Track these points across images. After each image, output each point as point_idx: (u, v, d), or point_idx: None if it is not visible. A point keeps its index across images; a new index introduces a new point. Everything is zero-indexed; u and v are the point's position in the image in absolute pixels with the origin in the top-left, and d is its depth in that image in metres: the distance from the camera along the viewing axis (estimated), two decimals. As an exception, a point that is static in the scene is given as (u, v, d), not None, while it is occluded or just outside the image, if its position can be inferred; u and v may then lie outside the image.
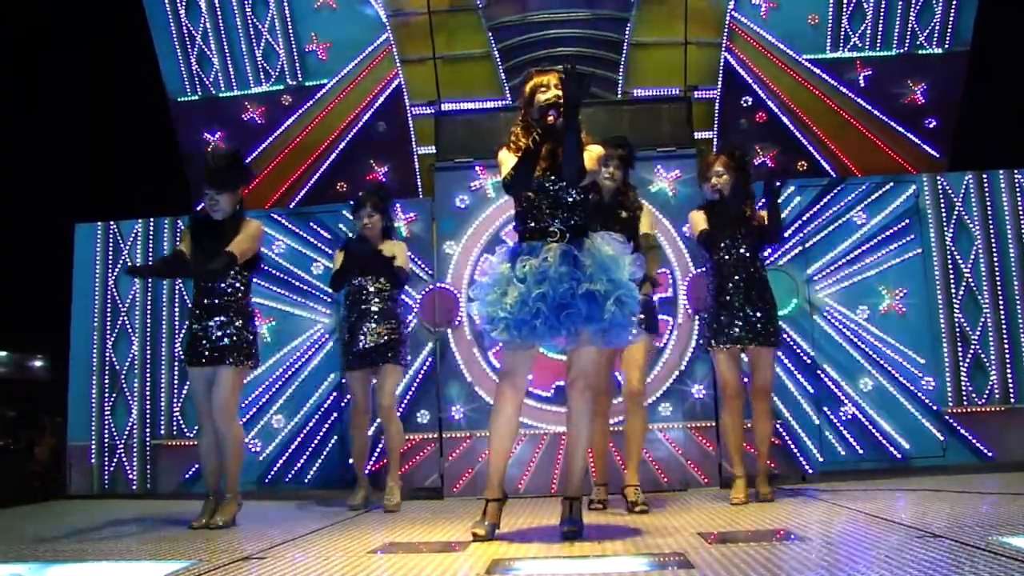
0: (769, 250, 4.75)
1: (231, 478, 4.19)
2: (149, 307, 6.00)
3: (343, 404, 5.60)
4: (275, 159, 6.50)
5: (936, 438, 5.41)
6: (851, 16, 6.32)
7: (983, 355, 5.53)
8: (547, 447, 5.39)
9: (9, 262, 12.54)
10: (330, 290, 5.05)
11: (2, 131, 11.90)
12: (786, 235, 5.49)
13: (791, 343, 5.45)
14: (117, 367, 5.97)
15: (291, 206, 6.32)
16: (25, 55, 12.79)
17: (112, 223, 6.15)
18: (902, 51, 6.34)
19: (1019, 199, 5.70)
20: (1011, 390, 5.49)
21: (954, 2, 6.27)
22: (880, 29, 6.32)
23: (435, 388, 5.57)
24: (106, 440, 5.91)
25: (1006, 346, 5.54)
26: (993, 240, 5.65)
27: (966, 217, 5.68)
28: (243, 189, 4.37)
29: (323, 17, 6.52)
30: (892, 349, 5.50)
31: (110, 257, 6.10)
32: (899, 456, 5.39)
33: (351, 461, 5.03)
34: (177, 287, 5.86)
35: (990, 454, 5.39)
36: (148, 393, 5.92)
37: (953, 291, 5.59)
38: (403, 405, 5.37)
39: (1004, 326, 5.56)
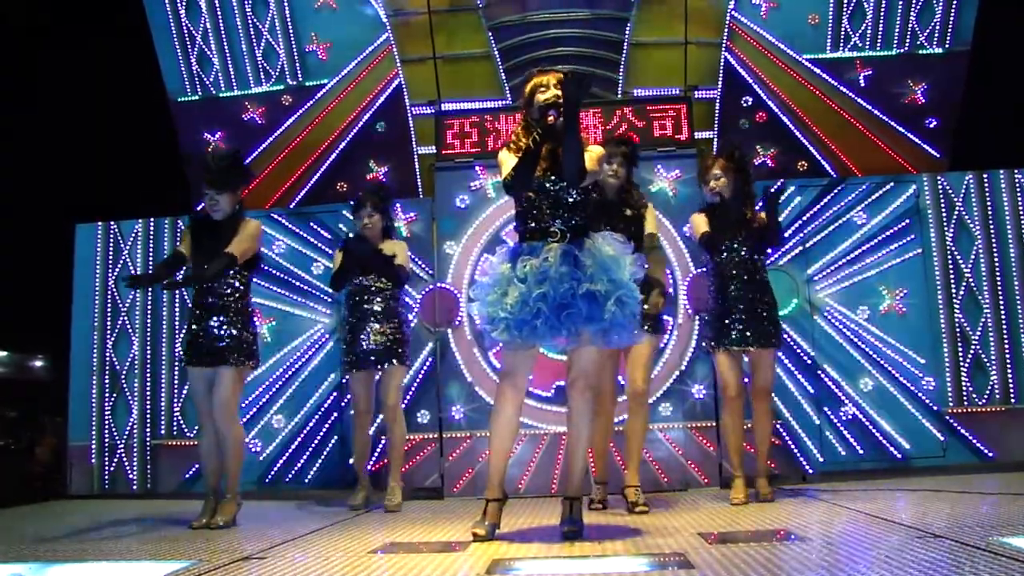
0: (770, 252, 4.74)
1: (231, 478, 4.19)
2: (149, 307, 6.01)
3: (343, 404, 5.60)
4: (275, 159, 6.49)
5: (936, 438, 5.41)
6: (851, 16, 6.31)
7: (983, 355, 5.53)
8: (547, 447, 5.39)
9: (9, 262, 12.55)
10: (331, 290, 5.05)
11: (2, 131, 11.91)
12: (786, 235, 5.50)
13: (791, 343, 5.45)
14: (117, 367, 5.98)
15: (291, 206, 6.32)
16: (25, 55, 12.79)
17: (112, 223, 6.15)
18: (902, 51, 6.33)
19: (1019, 199, 5.70)
20: (1011, 390, 5.49)
21: (954, 2, 6.27)
22: (880, 29, 6.31)
23: (435, 388, 5.57)
24: (106, 440, 5.91)
25: (1006, 346, 5.54)
26: (993, 240, 5.65)
27: (966, 217, 5.68)
28: (243, 189, 4.38)
29: (323, 17, 6.52)
30: (892, 349, 5.50)
31: (110, 257, 6.11)
32: (899, 456, 5.39)
33: (351, 461, 5.02)
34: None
35: (990, 454, 5.39)
36: (148, 393, 5.92)
37: (953, 291, 5.59)
38: (403, 405, 5.35)
39: (1004, 326, 5.56)
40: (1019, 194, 5.71)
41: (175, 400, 5.88)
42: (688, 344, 5.44)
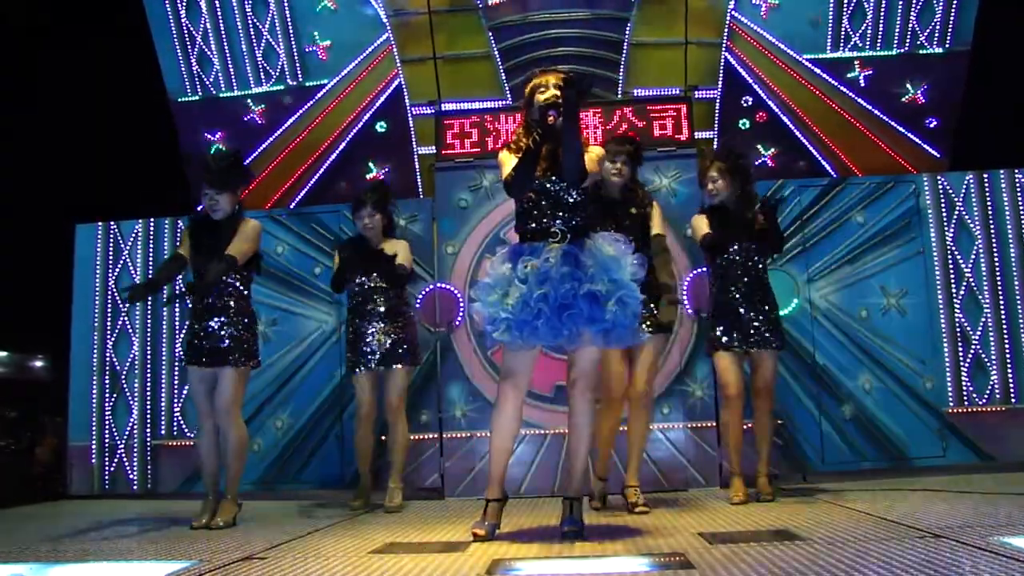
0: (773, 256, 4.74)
1: (232, 479, 4.19)
2: (149, 307, 6.00)
3: (344, 404, 5.60)
4: (276, 159, 6.50)
5: (937, 438, 5.41)
6: (851, 16, 6.32)
7: (984, 355, 5.53)
8: (548, 447, 5.39)
9: (9, 262, 12.54)
10: (332, 291, 5.02)
11: (2, 131, 11.90)
12: (787, 235, 5.50)
13: (792, 343, 5.45)
14: (117, 367, 5.98)
15: (292, 206, 6.33)
16: (25, 55, 12.78)
17: (112, 223, 6.15)
18: (903, 51, 6.34)
19: (1020, 199, 5.70)
20: (1012, 390, 5.49)
21: (955, 2, 6.28)
22: (880, 29, 6.32)
23: (436, 388, 5.57)
24: (107, 440, 5.91)
25: (1007, 346, 5.54)
26: (994, 240, 5.65)
27: (967, 217, 5.68)
28: (243, 190, 4.38)
29: (323, 17, 6.53)
30: (893, 349, 5.50)
31: (111, 257, 6.11)
32: (900, 456, 5.38)
33: (358, 460, 4.97)
34: (177, 287, 5.85)
35: (991, 454, 5.39)
36: (149, 393, 5.92)
37: (954, 291, 5.59)
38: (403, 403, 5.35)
39: (1005, 326, 5.56)
40: (1019, 194, 5.70)
41: (175, 400, 5.88)
42: (688, 344, 5.44)
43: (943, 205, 5.68)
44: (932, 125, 6.28)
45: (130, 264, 6.07)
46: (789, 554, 2.71)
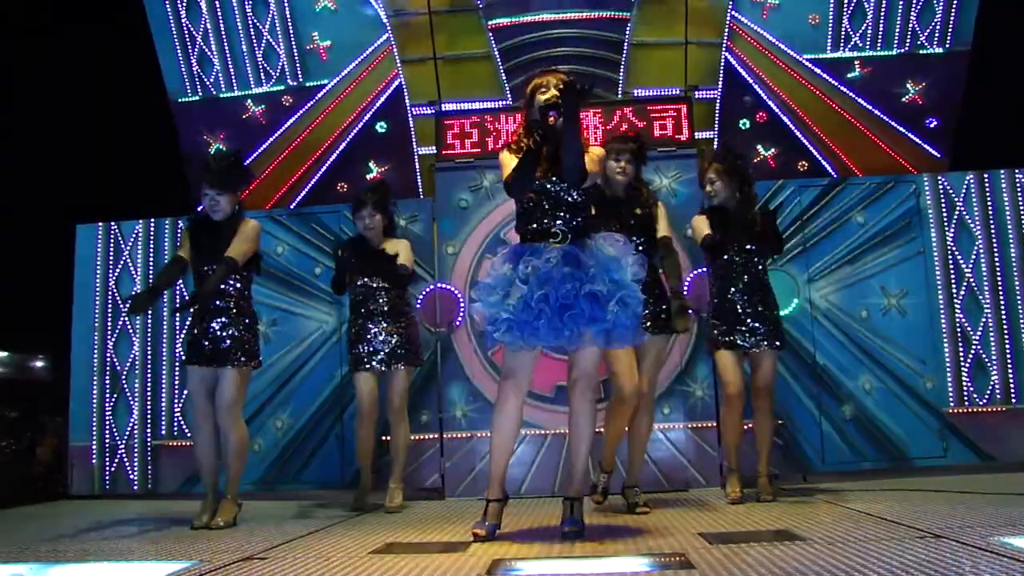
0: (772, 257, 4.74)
1: (233, 479, 4.19)
2: (149, 307, 5.99)
3: (344, 404, 5.60)
4: (276, 159, 6.50)
5: (937, 438, 5.41)
6: (851, 16, 6.32)
7: (984, 355, 5.53)
8: (548, 448, 5.39)
9: (10, 262, 12.53)
10: (333, 292, 4.98)
11: (2, 131, 11.90)
12: (787, 235, 5.51)
13: (792, 343, 5.45)
14: (118, 367, 5.98)
15: (292, 206, 6.33)
16: (25, 55, 12.78)
17: (113, 223, 6.15)
18: (903, 51, 6.34)
19: (1020, 199, 5.70)
20: (1012, 390, 5.49)
21: (955, 2, 6.28)
22: (881, 29, 6.32)
23: (436, 388, 5.57)
24: (107, 440, 5.91)
25: (1007, 346, 5.54)
26: (994, 240, 5.65)
27: (967, 217, 5.67)
28: (243, 190, 4.37)
29: (323, 17, 6.53)
30: (893, 349, 5.50)
31: (111, 258, 6.11)
32: (900, 456, 5.38)
33: (359, 460, 4.95)
34: (178, 287, 5.86)
35: (991, 454, 5.38)
36: (149, 393, 5.92)
37: (954, 291, 5.59)
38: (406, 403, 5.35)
39: (1005, 326, 5.56)
40: (1020, 194, 5.70)
41: (176, 400, 5.88)
42: (688, 344, 5.44)
43: (943, 205, 5.68)
44: (932, 125, 6.28)
45: (130, 264, 6.07)
46: (789, 554, 2.71)
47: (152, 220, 6.11)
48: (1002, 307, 5.58)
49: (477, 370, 5.52)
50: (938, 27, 6.30)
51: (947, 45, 6.31)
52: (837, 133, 6.27)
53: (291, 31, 6.55)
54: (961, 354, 5.53)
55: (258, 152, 6.47)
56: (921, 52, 6.33)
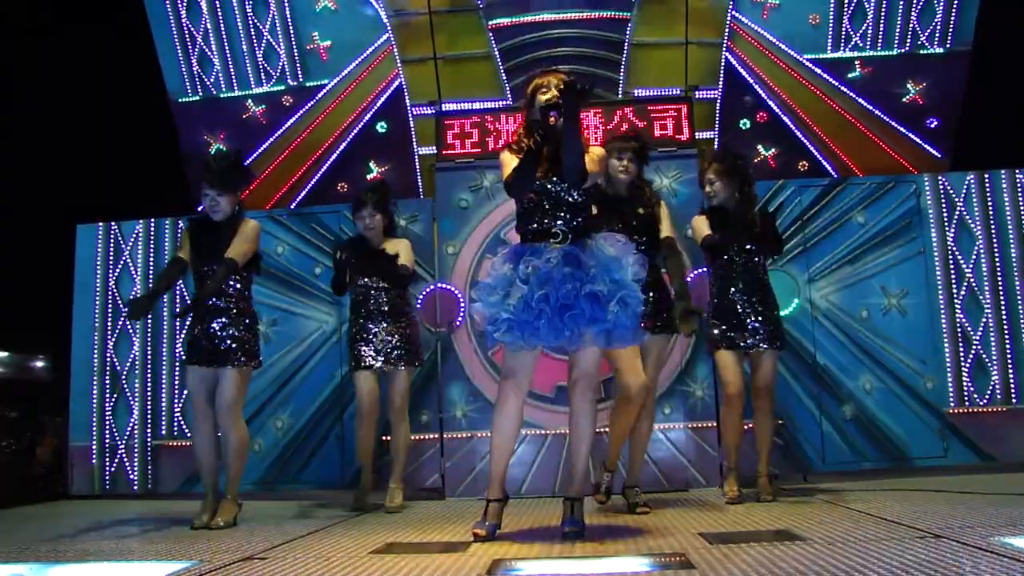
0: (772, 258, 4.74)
1: (233, 479, 4.18)
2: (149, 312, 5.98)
3: (344, 405, 5.60)
4: (276, 159, 6.50)
5: (938, 438, 5.41)
6: (852, 16, 6.32)
7: (984, 355, 5.53)
8: (548, 448, 5.39)
9: (10, 262, 12.52)
10: (334, 293, 4.96)
11: (2, 131, 11.90)
12: (787, 235, 5.51)
13: (792, 343, 5.44)
14: (118, 367, 5.97)
15: (292, 206, 6.33)
16: (25, 55, 12.78)
17: (113, 224, 6.15)
18: (903, 51, 6.34)
19: (1020, 199, 5.70)
20: (1013, 390, 5.49)
21: (955, 2, 6.28)
22: (881, 29, 6.32)
23: (436, 389, 5.57)
24: (107, 440, 5.91)
25: (1008, 346, 5.54)
26: (995, 240, 5.65)
27: (967, 217, 5.67)
28: (243, 190, 4.37)
29: (324, 17, 6.53)
30: (893, 349, 5.50)
31: (111, 258, 6.10)
32: (900, 456, 5.38)
33: (359, 460, 4.93)
34: (178, 288, 5.86)
35: (992, 454, 5.38)
36: (149, 393, 5.92)
37: (955, 291, 5.58)
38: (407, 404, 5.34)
39: (1006, 326, 5.56)
40: (1020, 194, 5.70)
41: (176, 400, 5.88)
42: (689, 344, 5.43)
43: (944, 205, 5.68)
44: (933, 125, 6.28)
45: (131, 264, 6.07)
46: (789, 554, 2.71)
47: (152, 220, 6.11)
48: (1002, 307, 5.57)
49: (477, 370, 5.52)
50: (939, 27, 6.30)
51: (948, 45, 6.31)
52: (837, 133, 6.27)
53: (291, 31, 6.55)
54: (961, 354, 5.53)
55: (258, 152, 6.47)
56: (922, 52, 6.33)
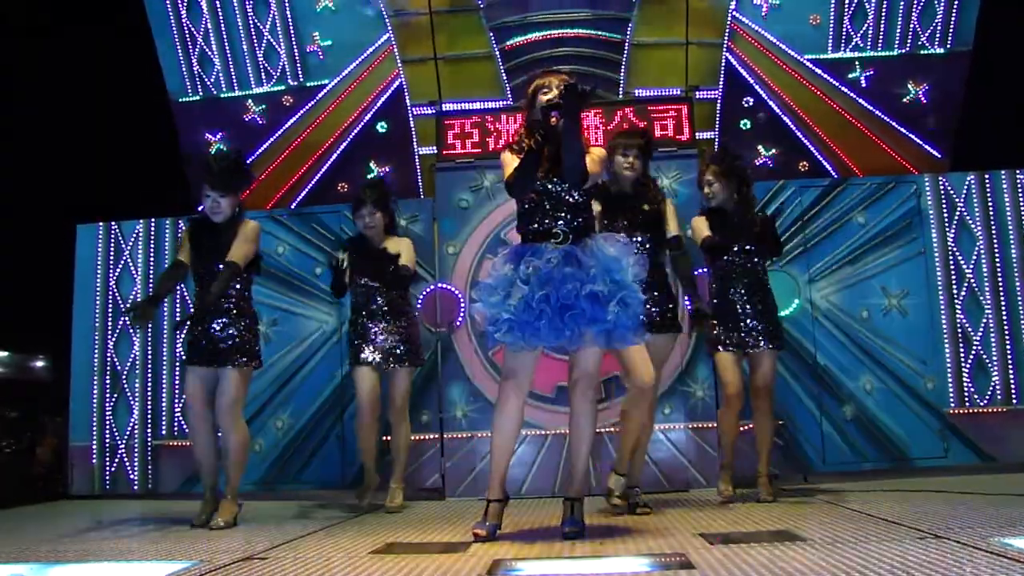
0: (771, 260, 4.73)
1: (233, 479, 4.18)
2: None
3: (344, 404, 5.60)
4: (276, 159, 6.50)
5: (938, 439, 5.40)
6: (852, 16, 6.32)
7: (985, 356, 5.53)
8: (549, 448, 5.39)
9: (10, 262, 12.53)
10: (334, 295, 4.89)
11: (2, 131, 11.90)
12: (788, 235, 5.52)
13: (793, 343, 5.45)
14: (118, 367, 5.97)
15: (292, 206, 6.32)
16: (25, 55, 12.78)
17: (113, 223, 6.15)
18: (904, 51, 6.34)
19: (1021, 199, 5.70)
20: (1013, 391, 5.49)
21: (956, 2, 6.28)
22: (882, 29, 6.32)
23: (437, 389, 5.57)
24: (107, 440, 5.91)
25: (1008, 346, 5.54)
26: (995, 240, 5.65)
27: (968, 217, 5.67)
28: (244, 191, 4.36)
29: (324, 17, 6.53)
30: (894, 349, 5.50)
31: (111, 258, 6.10)
32: (901, 457, 5.38)
33: (362, 459, 4.90)
34: (178, 288, 5.86)
35: (992, 455, 5.38)
36: (149, 393, 5.92)
37: (955, 291, 5.58)
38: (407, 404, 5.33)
39: (1006, 326, 5.56)
40: (1020, 194, 5.70)
41: (176, 400, 5.87)
42: (689, 344, 5.43)
43: (944, 205, 5.68)
44: (933, 125, 6.28)
45: (131, 264, 6.07)
46: (789, 554, 2.70)
47: (152, 220, 6.11)
48: (1003, 307, 5.57)
49: (477, 370, 5.52)
50: (939, 28, 6.30)
51: (948, 46, 6.31)
52: (838, 133, 6.27)
53: (292, 31, 6.55)
54: (962, 354, 5.53)
55: (259, 152, 6.47)
56: (922, 52, 6.32)
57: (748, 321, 4.39)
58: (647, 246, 4.10)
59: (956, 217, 5.66)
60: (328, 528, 3.92)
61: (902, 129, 6.26)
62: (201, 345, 4.14)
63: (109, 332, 6.03)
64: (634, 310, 3.30)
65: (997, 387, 5.50)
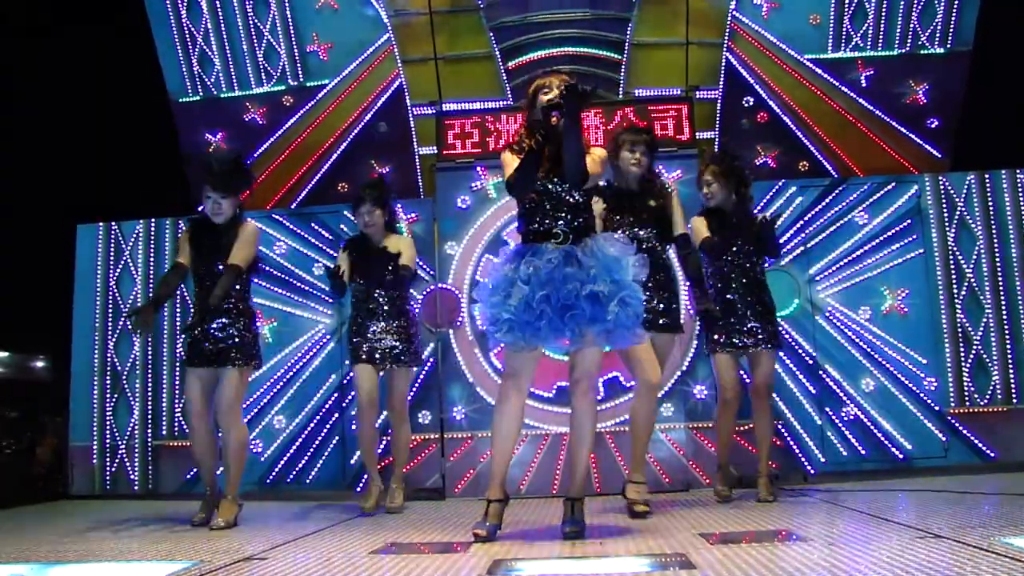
0: (768, 260, 4.72)
1: (232, 479, 4.18)
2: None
3: (344, 405, 5.60)
4: (276, 160, 6.49)
5: (938, 438, 5.41)
6: (852, 16, 6.32)
7: (985, 355, 5.53)
8: (549, 448, 5.39)
9: (10, 262, 12.54)
10: (336, 296, 4.82)
11: (2, 131, 11.91)
12: (788, 235, 5.52)
13: (793, 343, 5.45)
14: (119, 368, 5.97)
15: (292, 206, 6.32)
16: (25, 55, 12.79)
17: (113, 224, 6.15)
18: (904, 51, 6.33)
19: (1021, 199, 5.70)
20: (1013, 390, 5.49)
21: (956, 2, 6.27)
22: (882, 29, 6.32)
23: (437, 389, 5.57)
24: (107, 441, 5.91)
25: (1008, 346, 5.54)
26: (995, 240, 5.65)
27: (968, 217, 5.67)
28: (244, 192, 4.36)
29: (324, 17, 6.52)
30: (894, 349, 5.49)
31: (111, 258, 6.10)
32: (901, 457, 5.38)
33: (356, 457, 4.89)
34: (179, 291, 5.86)
35: (992, 454, 5.38)
36: (150, 394, 5.92)
37: (955, 291, 5.58)
38: (407, 403, 5.33)
39: (1006, 326, 5.56)
40: (1020, 194, 5.70)
41: (176, 401, 5.87)
42: (690, 344, 5.43)
43: (944, 205, 5.67)
44: (933, 125, 6.27)
45: (131, 265, 6.07)
46: (789, 554, 2.70)
47: (152, 220, 6.11)
48: (1003, 307, 5.57)
49: (477, 370, 5.52)
50: (939, 27, 6.30)
51: (948, 45, 6.30)
52: (838, 133, 6.26)
53: (292, 31, 6.55)
54: (962, 354, 5.52)
55: (259, 152, 6.46)
56: (922, 52, 6.32)
57: (747, 321, 4.40)
58: (653, 243, 4.09)
59: (956, 217, 5.66)
60: (328, 528, 3.92)
61: (902, 129, 6.26)
62: (201, 346, 4.15)
63: (109, 332, 6.03)
64: (634, 309, 3.30)
65: (997, 387, 5.50)
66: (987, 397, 5.48)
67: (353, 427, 5.24)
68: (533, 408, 5.27)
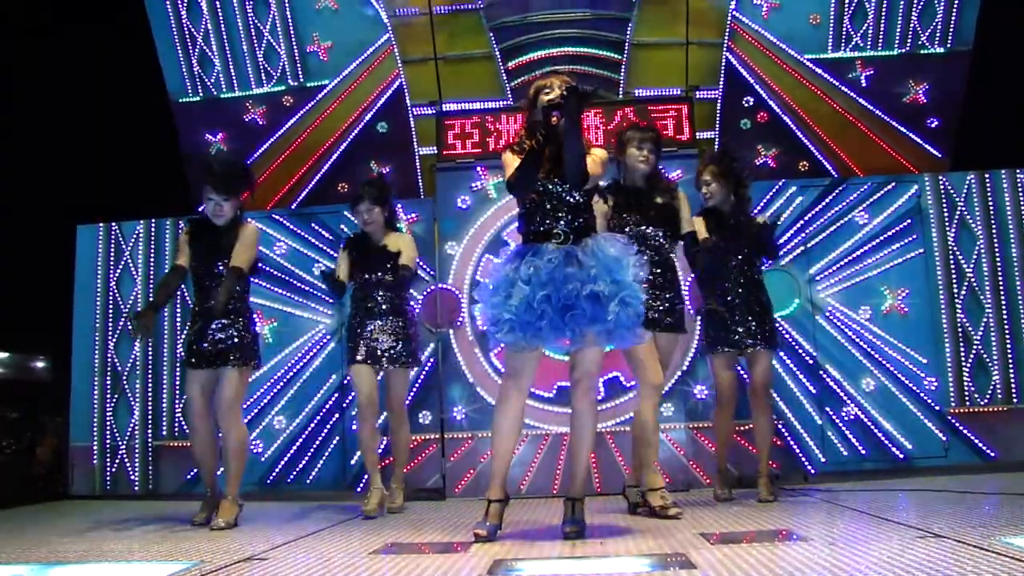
0: (766, 260, 4.71)
1: (233, 479, 4.17)
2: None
3: (345, 405, 5.60)
4: (276, 160, 6.50)
5: (938, 438, 5.41)
6: (852, 16, 6.32)
7: (985, 355, 5.53)
8: (549, 448, 5.39)
9: (10, 263, 12.54)
10: (336, 296, 4.79)
11: (2, 131, 11.90)
12: (788, 235, 5.52)
13: (793, 343, 5.45)
14: (119, 368, 5.97)
15: (292, 207, 6.32)
16: (25, 55, 12.79)
17: (114, 224, 6.15)
18: (904, 51, 6.34)
19: (1021, 198, 5.70)
20: (1013, 390, 5.49)
21: (956, 2, 6.27)
22: (882, 29, 6.32)
23: (437, 389, 5.57)
24: (108, 441, 5.91)
25: (1008, 346, 5.54)
26: (995, 240, 5.65)
27: (968, 217, 5.67)
28: (245, 193, 4.36)
29: (324, 18, 6.53)
30: (894, 349, 5.49)
31: (112, 258, 6.10)
32: (901, 456, 5.38)
33: (356, 458, 4.87)
34: (179, 291, 5.86)
35: (993, 454, 5.38)
36: (150, 394, 5.92)
37: (955, 291, 5.58)
38: (406, 405, 5.33)
39: (1006, 326, 5.56)
40: (1020, 194, 5.70)
41: (176, 401, 5.87)
42: (690, 344, 5.43)
43: (944, 205, 5.68)
44: (933, 125, 6.28)
45: (131, 265, 6.07)
46: (789, 554, 2.70)
47: (153, 220, 6.12)
48: (1003, 307, 5.57)
49: (478, 370, 5.52)
50: (939, 27, 6.30)
51: (948, 45, 6.31)
52: (838, 133, 6.27)
53: (292, 31, 6.55)
54: (962, 354, 5.53)
55: (259, 152, 6.47)
56: (922, 52, 6.32)
57: (744, 322, 4.40)
58: (660, 241, 4.07)
59: (956, 217, 5.67)
60: (328, 528, 3.92)
61: (902, 129, 6.26)
62: (200, 346, 4.14)
63: (109, 333, 6.03)
64: (635, 309, 3.30)
65: (997, 386, 5.50)
66: (987, 397, 5.48)
67: (354, 427, 5.24)
68: (533, 408, 5.27)
